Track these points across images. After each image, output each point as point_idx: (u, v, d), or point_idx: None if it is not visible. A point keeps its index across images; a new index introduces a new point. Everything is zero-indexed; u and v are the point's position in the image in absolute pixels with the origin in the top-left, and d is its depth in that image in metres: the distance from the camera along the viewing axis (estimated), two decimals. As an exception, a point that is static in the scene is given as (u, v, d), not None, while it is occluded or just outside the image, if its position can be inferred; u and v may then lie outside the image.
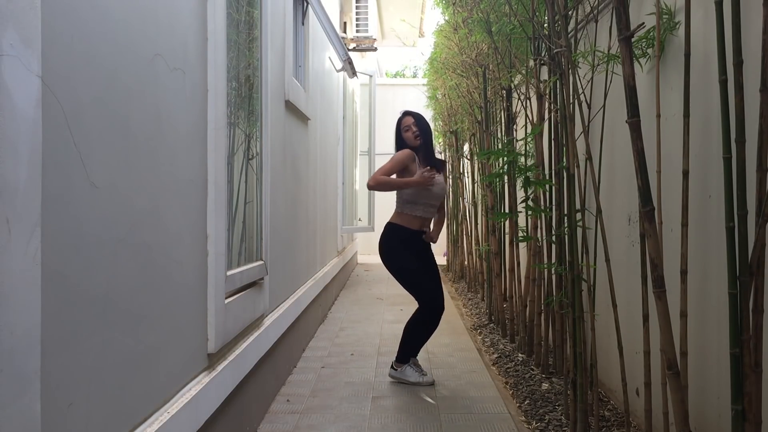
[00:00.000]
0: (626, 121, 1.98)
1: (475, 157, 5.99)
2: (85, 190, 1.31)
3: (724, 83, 1.78)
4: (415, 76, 16.55)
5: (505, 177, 4.30)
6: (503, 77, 4.30)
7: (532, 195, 3.51)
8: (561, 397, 3.06)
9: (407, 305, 5.67)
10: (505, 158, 3.78)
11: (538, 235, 3.65)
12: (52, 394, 1.19)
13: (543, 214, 3.37)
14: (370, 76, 7.89)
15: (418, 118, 3.58)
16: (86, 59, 1.32)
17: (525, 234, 3.65)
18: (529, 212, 3.15)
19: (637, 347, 2.63)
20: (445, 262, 9.48)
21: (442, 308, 3.44)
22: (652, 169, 2.10)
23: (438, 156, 8.41)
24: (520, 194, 4.46)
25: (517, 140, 3.95)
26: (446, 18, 5.37)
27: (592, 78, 2.88)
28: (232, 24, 2.48)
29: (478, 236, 6.32)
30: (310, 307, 4.40)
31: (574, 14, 3.08)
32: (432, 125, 8.92)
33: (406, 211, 3.48)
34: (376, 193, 7.56)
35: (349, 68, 6.11)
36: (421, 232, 3.52)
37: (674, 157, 2.30)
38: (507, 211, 4.58)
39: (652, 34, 2.41)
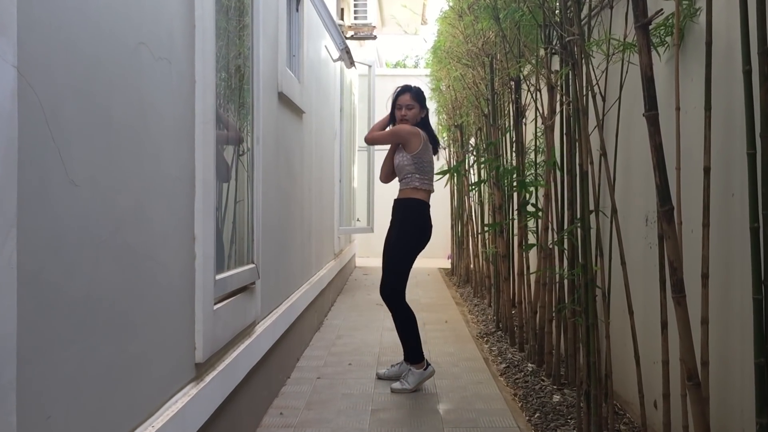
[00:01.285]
0: (643, 115, 1.98)
1: (482, 155, 5.99)
2: (65, 188, 1.31)
3: (748, 74, 1.78)
4: (417, 66, 16.55)
5: (513, 174, 4.31)
6: (511, 67, 4.30)
7: (530, 198, 3.54)
8: (573, 409, 3.06)
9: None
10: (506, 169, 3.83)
11: (549, 237, 3.66)
12: (28, 407, 1.18)
13: (554, 215, 3.37)
14: (369, 66, 7.89)
15: (417, 94, 3.69)
16: (66, 48, 1.32)
17: (534, 236, 3.66)
18: (527, 217, 3.16)
19: (655, 356, 2.63)
20: (449, 266, 9.49)
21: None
22: (670, 165, 2.10)
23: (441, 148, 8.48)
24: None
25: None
26: (450, 4, 5.38)
27: (606, 68, 2.88)
28: (222, 10, 2.48)
29: (484, 238, 6.32)
30: (305, 314, 4.41)
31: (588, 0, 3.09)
32: (435, 119, 8.92)
33: (424, 186, 3.63)
34: (376, 191, 7.58)
35: (347, 58, 6.12)
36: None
37: (695, 152, 2.30)
38: (516, 211, 4.58)
39: (671, 21, 2.41)
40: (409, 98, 3.68)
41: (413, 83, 4.00)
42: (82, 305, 1.38)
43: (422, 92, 3.77)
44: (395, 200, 3.70)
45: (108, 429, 1.50)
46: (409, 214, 3.62)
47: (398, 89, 3.76)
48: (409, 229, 3.62)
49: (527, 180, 3.89)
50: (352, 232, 7.64)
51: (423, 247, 3.66)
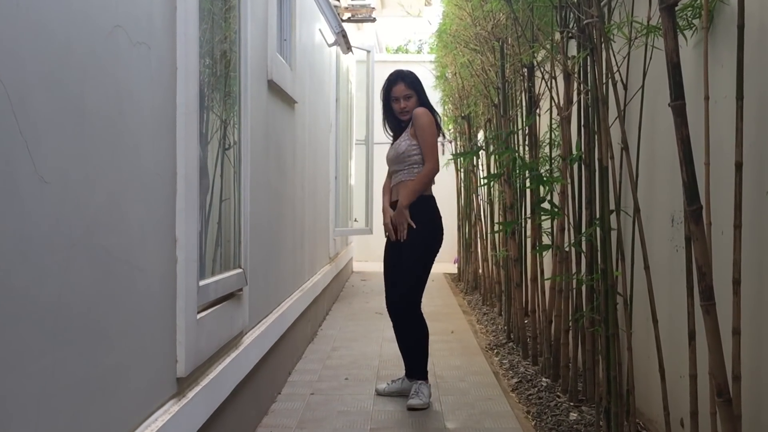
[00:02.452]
0: (669, 105, 1.98)
1: (492, 148, 6.01)
2: (33, 185, 1.31)
3: (783, 60, 1.78)
4: (420, 51, 16.57)
5: (526, 171, 4.31)
6: (524, 53, 4.30)
7: (547, 195, 3.53)
8: (593, 428, 3.06)
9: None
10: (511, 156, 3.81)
11: (566, 238, 3.66)
12: (-7, 425, 1.19)
13: (571, 215, 3.38)
14: (368, 52, 7.90)
15: (412, 81, 3.59)
16: (34, 32, 1.31)
17: (549, 237, 3.66)
18: (542, 216, 3.16)
19: (681, 370, 2.63)
20: (455, 271, 9.49)
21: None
22: (699, 160, 2.10)
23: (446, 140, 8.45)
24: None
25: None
26: (457, -17, 5.38)
27: (628, 54, 2.88)
28: (206, -10, 2.48)
29: (494, 240, 6.32)
30: (298, 323, 4.41)
31: (608, -21, 3.09)
32: (440, 109, 8.93)
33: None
34: (376, 189, 7.58)
35: (344, 42, 6.12)
36: (394, 204, 3.59)
37: (725, 146, 2.30)
38: (529, 210, 4.58)
39: (699, 1, 2.42)
40: (404, 87, 3.57)
41: (417, 70, 3.98)
42: (52, 313, 1.38)
43: (416, 76, 3.65)
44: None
45: (81, 450, 1.50)
46: (424, 209, 3.49)
47: (389, 78, 3.64)
48: (425, 226, 3.48)
49: (543, 176, 3.89)
50: (349, 234, 7.64)
51: (440, 247, 3.59)
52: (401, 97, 3.57)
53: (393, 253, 3.56)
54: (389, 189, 3.65)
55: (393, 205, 3.57)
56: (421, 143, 3.48)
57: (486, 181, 4.46)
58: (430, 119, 3.50)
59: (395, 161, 3.57)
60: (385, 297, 3.68)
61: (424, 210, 3.52)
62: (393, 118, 3.69)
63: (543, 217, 3.84)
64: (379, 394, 3.67)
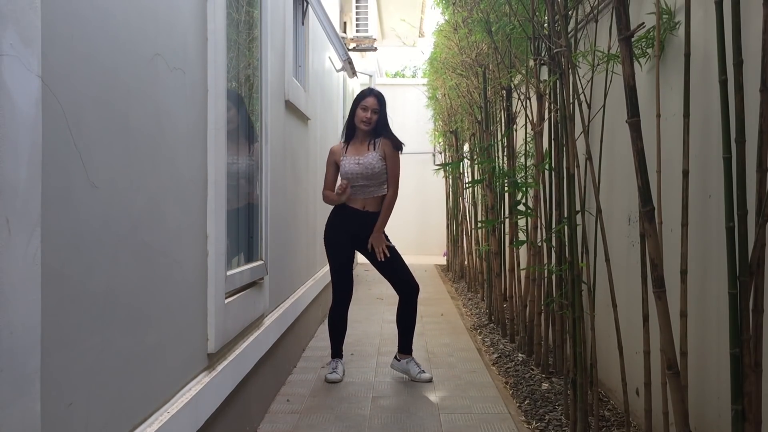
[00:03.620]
0: (626, 121, 1.98)
1: (475, 158, 6.00)
2: (85, 189, 1.31)
3: (724, 83, 1.78)
4: (414, 75, 16.52)
5: (505, 178, 4.30)
6: (503, 77, 4.30)
7: (522, 198, 3.52)
8: (561, 396, 3.06)
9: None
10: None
11: (538, 235, 3.65)
12: (52, 394, 1.19)
13: (542, 215, 3.37)
14: (370, 76, 7.89)
15: (381, 102, 3.45)
16: (86, 59, 1.31)
17: (524, 234, 3.65)
18: (518, 216, 3.15)
19: (637, 347, 2.63)
20: (445, 262, 9.48)
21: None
22: (652, 168, 2.10)
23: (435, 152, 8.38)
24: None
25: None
26: (446, 18, 5.37)
27: (592, 78, 2.88)
28: (232, 24, 2.48)
29: (477, 236, 6.31)
30: (310, 307, 4.40)
31: (574, 14, 3.08)
32: (432, 125, 8.91)
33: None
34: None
35: (349, 68, 6.11)
36: (362, 212, 3.45)
37: (674, 156, 2.30)
38: (507, 211, 4.58)
39: (652, 33, 2.41)
40: (375, 102, 3.42)
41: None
42: (101, 299, 1.38)
43: (384, 99, 3.52)
44: (373, 212, 3.44)
45: (126, 415, 1.50)
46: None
47: (363, 91, 3.50)
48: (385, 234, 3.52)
49: (519, 181, 3.88)
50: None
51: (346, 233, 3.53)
52: (371, 108, 3.40)
53: (380, 259, 3.47)
54: (335, 197, 3.49)
55: (357, 212, 3.46)
56: (392, 175, 3.46)
57: (470, 185, 4.44)
58: (399, 157, 3.49)
59: (368, 177, 3.41)
60: (339, 288, 3.54)
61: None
62: (351, 120, 3.50)
63: (519, 217, 3.83)
64: (335, 381, 3.44)
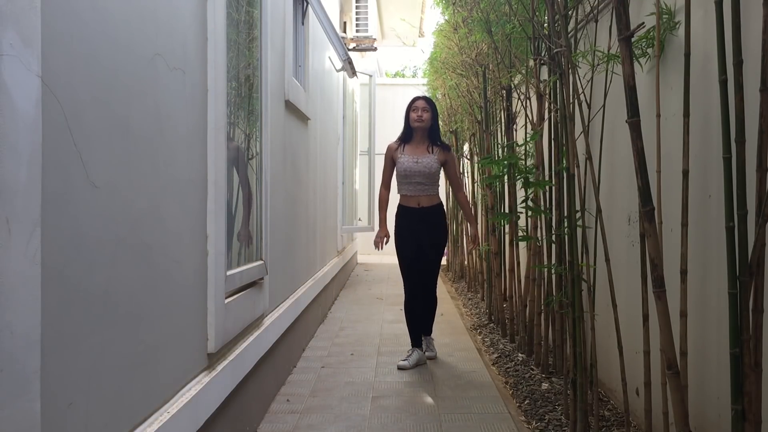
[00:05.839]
0: (626, 121, 1.98)
1: (475, 157, 6.00)
2: (85, 190, 1.31)
3: (724, 83, 1.78)
4: (414, 75, 16.52)
5: (505, 177, 4.30)
6: (503, 77, 4.30)
7: (532, 195, 3.51)
8: (561, 396, 3.06)
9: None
10: (504, 164, 3.83)
11: (538, 234, 3.65)
12: (51, 394, 1.19)
13: (543, 215, 3.37)
14: (370, 76, 7.88)
15: (430, 103, 3.87)
16: (86, 59, 1.32)
17: (525, 234, 3.65)
18: (529, 213, 3.16)
19: (637, 347, 2.63)
20: (445, 262, 9.48)
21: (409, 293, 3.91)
22: (652, 168, 2.10)
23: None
24: (521, 194, 4.45)
25: (517, 144, 3.95)
26: (446, 18, 5.37)
27: (592, 78, 2.88)
28: (232, 24, 2.48)
29: (478, 236, 6.30)
30: (310, 307, 4.40)
31: (574, 14, 3.09)
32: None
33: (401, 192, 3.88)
34: (376, 193, 7.57)
35: (349, 68, 6.11)
36: (417, 210, 3.80)
37: (674, 156, 2.30)
38: (507, 211, 4.57)
39: (652, 33, 2.41)
40: (424, 102, 3.84)
41: (411, 92, 4.10)
42: (101, 299, 1.38)
43: (434, 103, 3.94)
44: (433, 206, 3.81)
45: (126, 415, 1.50)
46: (444, 216, 3.92)
47: (415, 97, 3.93)
48: (446, 229, 3.92)
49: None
50: (353, 231, 7.62)
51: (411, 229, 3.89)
52: (421, 108, 3.80)
53: (424, 248, 3.78)
54: (387, 202, 3.91)
55: (414, 209, 3.80)
56: (455, 178, 4.08)
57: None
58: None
59: (425, 176, 3.78)
60: (409, 283, 3.87)
61: (444, 216, 3.94)
62: (408, 128, 3.88)
63: (530, 216, 3.82)
64: (404, 369, 3.67)
